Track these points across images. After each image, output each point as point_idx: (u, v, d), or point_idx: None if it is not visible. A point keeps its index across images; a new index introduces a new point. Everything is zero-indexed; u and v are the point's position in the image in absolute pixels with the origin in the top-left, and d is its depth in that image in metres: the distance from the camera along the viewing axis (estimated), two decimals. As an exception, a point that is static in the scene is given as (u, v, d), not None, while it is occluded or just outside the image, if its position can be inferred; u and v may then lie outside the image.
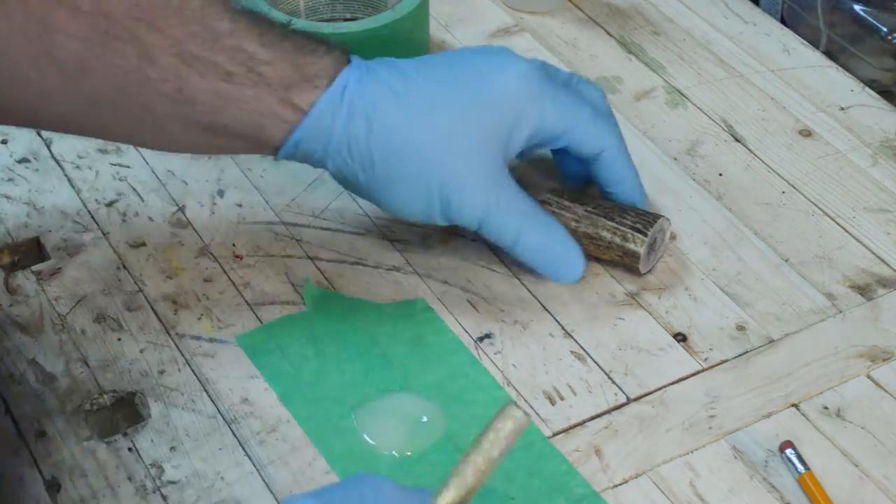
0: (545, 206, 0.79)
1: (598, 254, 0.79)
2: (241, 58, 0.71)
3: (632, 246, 0.78)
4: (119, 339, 0.77)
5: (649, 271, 0.80)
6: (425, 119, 0.73)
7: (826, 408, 0.73)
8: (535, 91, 0.75)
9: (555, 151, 0.83)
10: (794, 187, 0.87)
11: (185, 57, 0.70)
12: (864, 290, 0.80)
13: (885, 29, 0.97)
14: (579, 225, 0.78)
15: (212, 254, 0.82)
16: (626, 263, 0.79)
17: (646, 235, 0.77)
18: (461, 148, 0.73)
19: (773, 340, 0.77)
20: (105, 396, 0.74)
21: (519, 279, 0.80)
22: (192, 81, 0.70)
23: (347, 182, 0.75)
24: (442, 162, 0.73)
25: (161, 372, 0.75)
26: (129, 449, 0.71)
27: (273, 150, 0.74)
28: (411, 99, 0.73)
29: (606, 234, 0.78)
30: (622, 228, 0.78)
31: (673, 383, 0.74)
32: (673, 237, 0.82)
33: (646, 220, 0.78)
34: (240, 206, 0.85)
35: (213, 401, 0.73)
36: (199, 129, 0.72)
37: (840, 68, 0.97)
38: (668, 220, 0.80)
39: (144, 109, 0.71)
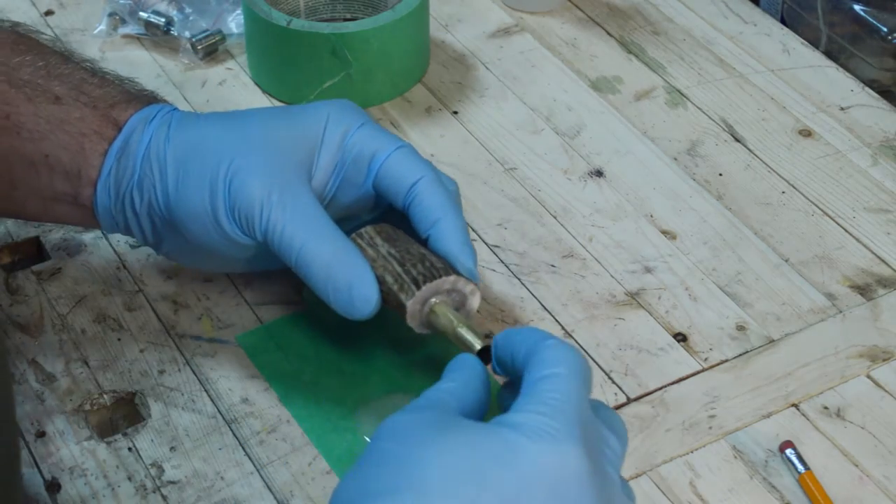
0: (356, 240, 0.71)
1: (385, 299, 0.70)
2: (71, 82, 0.73)
3: (402, 297, 0.68)
4: (119, 339, 0.77)
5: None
6: (220, 125, 0.73)
7: (826, 408, 0.73)
8: (343, 112, 0.74)
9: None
10: (794, 187, 0.87)
11: (16, 82, 0.72)
12: (864, 290, 0.80)
13: (885, 29, 0.97)
14: (375, 265, 0.70)
15: (212, 254, 0.82)
16: (403, 316, 0.69)
17: (419, 289, 0.68)
18: (251, 141, 0.72)
19: (773, 340, 0.77)
20: (105, 396, 0.74)
21: (519, 279, 0.80)
22: (20, 107, 0.71)
23: (152, 215, 0.73)
24: (229, 151, 0.71)
25: (161, 372, 0.75)
26: (129, 449, 0.71)
27: (91, 183, 0.73)
28: (212, 116, 0.74)
29: (389, 279, 0.69)
30: (404, 277, 0.69)
31: (673, 383, 0.74)
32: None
33: (432, 274, 0.69)
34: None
35: (213, 401, 0.73)
36: (24, 165, 0.72)
37: (840, 68, 0.97)
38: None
39: None
